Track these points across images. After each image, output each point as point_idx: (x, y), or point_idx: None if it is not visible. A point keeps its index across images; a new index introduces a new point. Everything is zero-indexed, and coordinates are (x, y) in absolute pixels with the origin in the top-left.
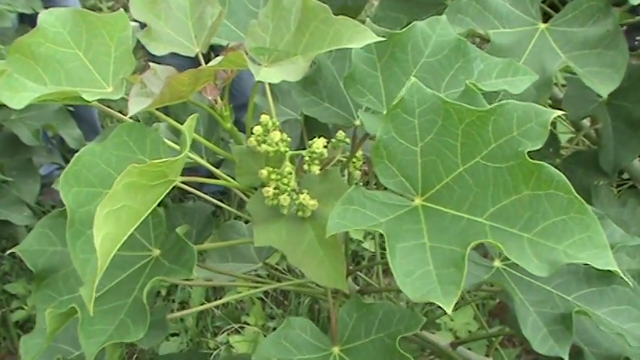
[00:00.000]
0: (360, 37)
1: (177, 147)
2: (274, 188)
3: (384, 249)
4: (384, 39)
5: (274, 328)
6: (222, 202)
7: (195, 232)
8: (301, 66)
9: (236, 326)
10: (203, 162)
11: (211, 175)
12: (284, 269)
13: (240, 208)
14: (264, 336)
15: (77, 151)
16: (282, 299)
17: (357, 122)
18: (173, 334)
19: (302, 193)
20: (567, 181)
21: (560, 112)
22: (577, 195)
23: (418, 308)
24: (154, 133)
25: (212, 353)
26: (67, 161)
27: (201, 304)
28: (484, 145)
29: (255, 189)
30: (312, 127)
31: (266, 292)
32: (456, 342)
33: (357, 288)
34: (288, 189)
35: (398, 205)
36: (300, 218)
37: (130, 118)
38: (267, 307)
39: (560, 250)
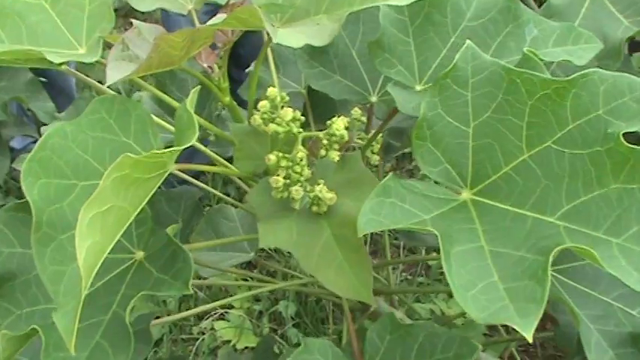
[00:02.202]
0: None
1: (165, 124)
2: (284, 177)
3: (396, 239)
4: None
5: (260, 312)
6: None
7: (181, 220)
8: (329, 28)
9: (221, 310)
10: (200, 146)
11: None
12: (271, 250)
13: (225, 188)
14: (250, 322)
15: None
16: (270, 279)
17: (374, 99)
18: (155, 318)
19: (318, 184)
20: None
21: None
22: None
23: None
24: (139, 108)
25: (197, 339)
26: None
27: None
28: (559, 125)
29: (258, 176)
30: (316, 102)
31: (253, 266)
32: None
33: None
34: (302, 179)
35: (443, 200)
36: (315, 214)
37: (110, 88)
38: (254, 288)
39: None
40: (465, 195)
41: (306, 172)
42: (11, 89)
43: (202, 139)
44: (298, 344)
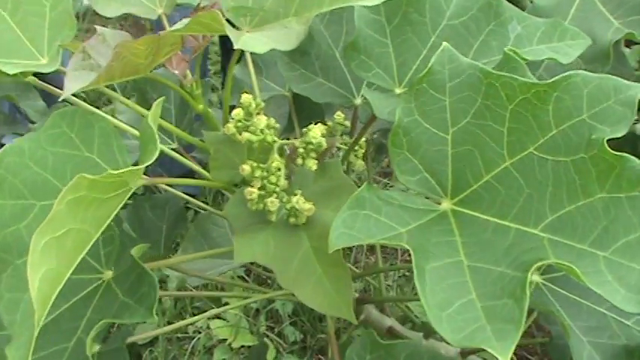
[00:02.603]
0: None
1: (136, 133)
2: (259, 188)
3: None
4: None
5: (257, 310)
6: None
7: (165, 227)
8: (296, 31)
9: (216, 309)
10: (176, 155)
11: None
12: None
13: (216, 202)
14: (247, 320)
15: None
16: (265, 277)
17: (358, 101)
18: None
19: (295, 195)
20: None
21: None
22: None
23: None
24: (103, 120)
25: (193, 338)
26: None
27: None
28: (541, 131)
29: (237, 185)
30: (302, 105)
31: (248, 271)
32: (467, 351)
33: (356, 296)
34: (277, 189)
35: (421, 211)
36: (293, 226)
37: (76, 97)
38: (248, 290)
39: None
40: (446, 205)
41: (282, 182)
42: (0, 88)
43: (186, 146)
44: (295, 342)
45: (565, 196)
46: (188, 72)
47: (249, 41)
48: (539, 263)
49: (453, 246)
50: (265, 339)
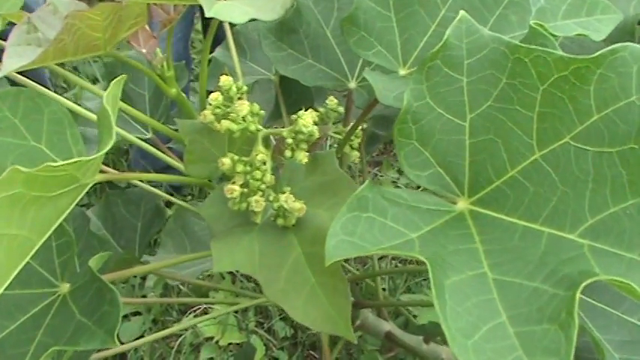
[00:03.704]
0: None
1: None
2: (242, 185)
3: None
4: None
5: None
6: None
7: (140, 225)
8: None
9: (204, 305)
10: (146, 146)
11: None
12: None
13: (202, 196)
14: (235, 316)
15: None
16: (254, 294)
17: (352, 85)
18: (135, 313)
19: (283, 192)
20: None
21: None
22: None
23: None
24: (53, 104)
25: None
26: None
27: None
28: (580, 116)
29: (214, 181)
30: (289, 90)
31: None
32: None
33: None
34: (263, 186)
35: (434, 212)
36: (281, 228)
37: (29, 78)
38: (237, 282)
39: None
40: (462, 205)
41: (269, 177)
42: None
43: (163, 137)
44: (286, 338)
45: (609, 195)
46: (158, 51)
47: (224, 10)
48: (589, 281)
49: (474, 254)
50: (254, 336)
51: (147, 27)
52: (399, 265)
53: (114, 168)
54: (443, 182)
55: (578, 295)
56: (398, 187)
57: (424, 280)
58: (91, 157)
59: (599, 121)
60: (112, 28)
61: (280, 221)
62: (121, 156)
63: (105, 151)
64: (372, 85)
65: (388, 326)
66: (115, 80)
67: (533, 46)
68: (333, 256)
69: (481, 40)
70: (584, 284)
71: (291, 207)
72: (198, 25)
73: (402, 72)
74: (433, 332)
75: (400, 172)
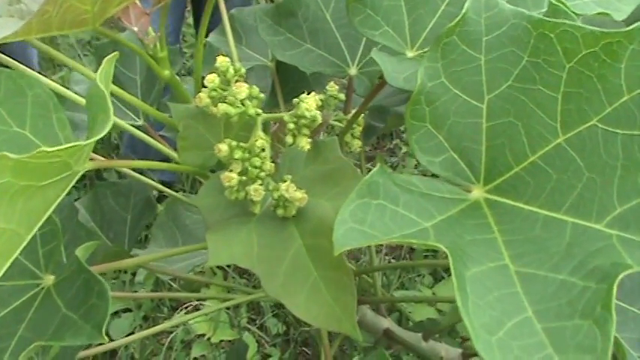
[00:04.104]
0: None
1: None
2: (240, 173)
3: None
4: None
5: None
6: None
7: (130, 217)
8: None
9: (195, 301)
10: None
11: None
12: None
13: (194, 189)
14: (227, 313)
15: None
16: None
17: (353, 71)
18: (125, 310)
19: (283, 181)
20: None
21: None
22: None
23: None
24: (37, 86)
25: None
26: None
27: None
28: (609, 97)
29: (213, 171)
30: (287, 77)
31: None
32: (469, 353)
33: None
34: (262, 174)
35: (449, 200)
36: (281, 219)
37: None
38: (230, 278)
39: None
40: (477, 193)
41: (268, 165)
42: None
43: (155, 124)
44: (278, 335)
45: None
46: (151, 29)
47: None
48: (624, 273)
49: (493, 245)
50: (246, 332)
51: (138, 2)
52: (392, 260)
53: None
54: (457, 168)
55: (615, 287)
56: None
57: (418, 276)
58: (87, 142)
59: (630, 102)
60: (102, 2)
61: (280, 211)
62: (111, 150)
63: (103, 134)
64: (374, 71)
65: (387, 323)
66: (107, 58)
67: (560, 20)
68: (342, 245)
69: (501, 14)
70: (620, 276)
71: (291, 196)
72: (190, 20)
73: (410, 54)
74: (431, 329)
75: (394, 167)
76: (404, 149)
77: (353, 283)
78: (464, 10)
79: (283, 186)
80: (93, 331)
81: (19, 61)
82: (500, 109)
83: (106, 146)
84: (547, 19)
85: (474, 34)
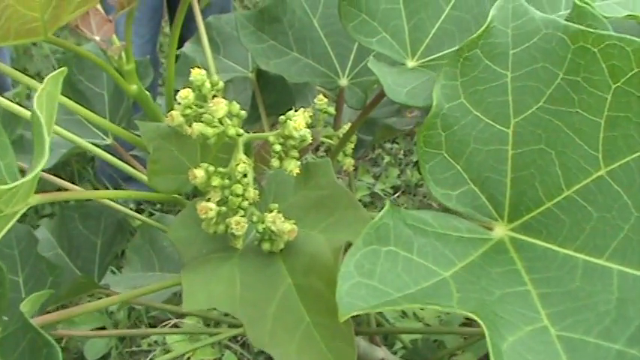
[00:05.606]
0: None
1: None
2: (218, 202)
3: None
4: None
5: (217, 323)
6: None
7: (100, 243)
8: None
9: (174, 320)
10: (101, 152)
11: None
12: None
13: (174, 209)
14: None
15: None
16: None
17: (344, 82)
18: (101, 329)
19: (269, 211)
20: None
21: None
22: None
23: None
24: None
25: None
26: None
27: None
28: None
29: (188, 198)
30: (269, 89)
31: None
32: None
33: None
34: (245, 203)
35: (467, 240)
36: (267, 255)
37: None
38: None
39: None
40: (500, 231)
41: (252, 192)
42: None
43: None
44: (261, 352)
45: None
46: (115, 38)
47: None
48: None
49: (527, 301)
50: (228, 351)
51: (100, 8)
52: None
53: (78, 177)
54: (477, 203)
55: None
56: (374, 193)
57: None
58: (11, 185)
59: None
60: (54, 7)
61: (266, 246)
62: (86, 163)
63: (35, 172)
64: (368, 81)
65: (382, 353)
66: (50, 75)
67: (606, 32)
68: (348, 310)
69: (531, 24)
70: None
71: (279, 229)
72: (167, 29)
73: (411, 64)
74: (426, 357)
75: (376, 177)
76: (387, 159)
77: (352, 330)
78: (489, 20)
79: (269, 216)
80: None
81: None
82: (529, 135)
83: (81, 159)
84: (588, 29)
85: (499, 46)
